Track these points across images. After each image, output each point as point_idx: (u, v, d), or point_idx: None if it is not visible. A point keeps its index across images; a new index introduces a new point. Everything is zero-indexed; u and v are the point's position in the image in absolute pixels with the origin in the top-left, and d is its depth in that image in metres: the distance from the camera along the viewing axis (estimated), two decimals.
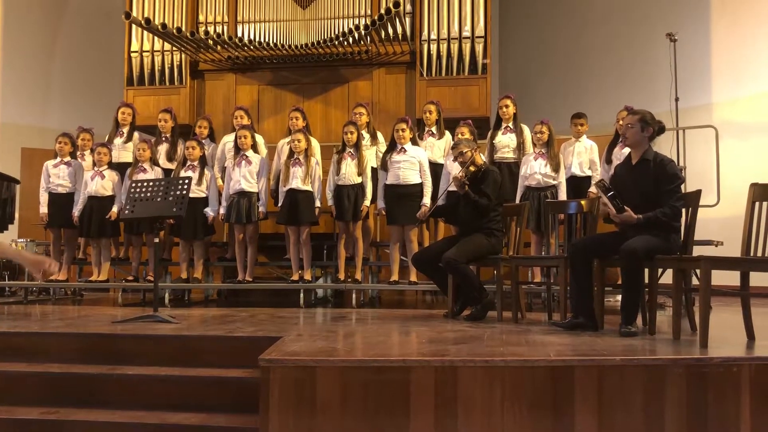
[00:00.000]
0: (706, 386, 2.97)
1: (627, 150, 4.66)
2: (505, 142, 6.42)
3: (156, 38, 8.59)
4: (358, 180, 6.19)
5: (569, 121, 6.42)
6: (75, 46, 10.82)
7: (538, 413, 2.97)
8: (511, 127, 6.44)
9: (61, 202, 6.72)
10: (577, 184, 6.18)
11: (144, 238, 6.69)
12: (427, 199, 6.06)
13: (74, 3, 10.95)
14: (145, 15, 8.47)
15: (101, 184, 6.59)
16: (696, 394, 2.96)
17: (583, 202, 4.93)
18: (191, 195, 6.29)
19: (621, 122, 5.92)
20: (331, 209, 6.32)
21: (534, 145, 6.15)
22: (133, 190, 5.08)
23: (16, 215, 7.15)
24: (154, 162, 6.66)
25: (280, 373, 3.03)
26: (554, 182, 6.02)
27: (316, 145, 6.63)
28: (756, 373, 2.97)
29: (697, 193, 4.09)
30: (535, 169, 6.03)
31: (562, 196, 5.99)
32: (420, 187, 6.11)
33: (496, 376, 2.99)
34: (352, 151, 6.24)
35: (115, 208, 6.52)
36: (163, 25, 7.87)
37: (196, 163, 6.50)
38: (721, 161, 6.87)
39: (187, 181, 5.02)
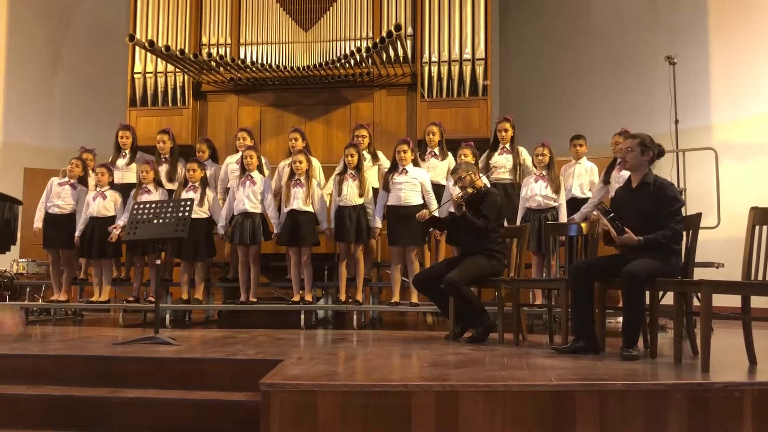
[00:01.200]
0: (707, 411, 2.96)
1: (625, 173, 4.69)
2: (502, 162, 6.47)
3: (159, 59, 8.66)
4: (360, 201, 6.22)
5: (569, 143, 6.46)
6: (78, 66, 10.89)
7: None
8: (508, 148, 6.49)
9: (59, 222, 6.73)
10: (577, 206, 6.20)
11: (146, 259, 6.70)
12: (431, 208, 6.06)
13: (77, 24, 11.05)
14: (149, 37, 8.55)
15: (103, 204, 6.61)
16: (697, 419, 2.96)
17: (583, 225, 4.95)
18: (193, 216, 6.36)
19: (616, 146, 5.98)
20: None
21: (535, 167, 6.19)
22: (135, 211, 5.10)
23: (18, 235, 7.16)
24: (158, 183, 6.68)
25: (281, 397, 3.02)
26: (555, 204, 6.05)
27: (317, 165, 6.66)
28: (758, 398, 2.97)
29: (698, 216, 4.11)
30: (535, 191, 6.06)
31: (563, 218, 6.01)
32: (420, 208, 6.11)
33: (498, 400, 2.99)
34: (353, 172, 6.27)
35: (116, 231, 6.51)
36: (167, 47, 7.94)
37: (197, 184, 6.53)
38: (721, 183, 6.90)
39: (189, 202, 5.04)
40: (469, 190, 5.04)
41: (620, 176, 5.84)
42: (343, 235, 6.20)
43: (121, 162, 7.16)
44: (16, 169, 8.86)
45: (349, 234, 6.16)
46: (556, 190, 6.03)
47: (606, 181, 6.13)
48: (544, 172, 6.10)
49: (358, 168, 6.27)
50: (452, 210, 5.20)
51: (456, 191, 5.34)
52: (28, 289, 7.34)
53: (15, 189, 7.76)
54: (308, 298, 6.25)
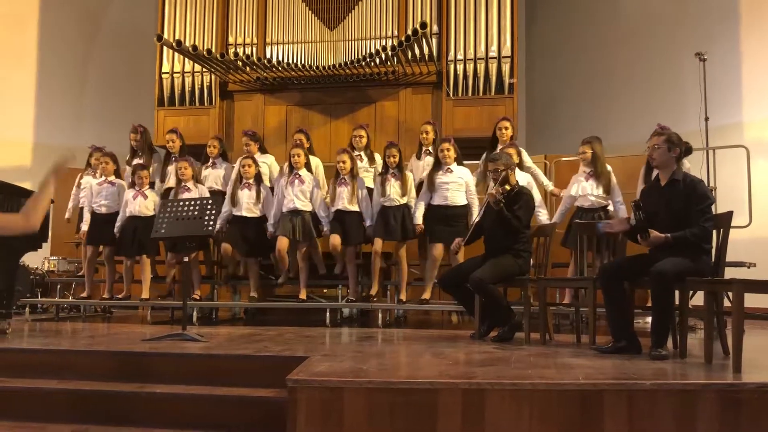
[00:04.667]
0: (739, 412, 2.91)
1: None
2: None
3: (186, 60, 8.75)
4: (403, 201, 6.21)
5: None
6: (108, 67, 11.06)
7: None
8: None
9: (105, 220, 6.79)
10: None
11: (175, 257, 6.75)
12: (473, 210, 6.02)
13: (107, 25, 11.21)
14: (177, 37, 8.64)
15: (144, 204, 6.67)
16: (729, 420, 2.90)
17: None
18: (248, 214, 6.42)
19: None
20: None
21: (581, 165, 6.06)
22: (163, 210, 5.16)
23: (49, 233, 7.28)
24: (196, 180, 6.72)
25: (308, 394, 3.03)
26: (606, 203, 5.91)
27: (319, 165, 6.71)
28: None
29: (729, 215, 4.03)
30: (588, 191, 5.92)
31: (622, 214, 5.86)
32: (465, 208, 6.09)
33: (524, 399, 2.96)
34: (395, 171, 6.25)
35: None
36: (194, 47, 8.02)
37: (252, 181, 6.54)
38: (753, 181, 6.77)
39: (212, 201, 5.08)
40: (507, 187, 4.99)
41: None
42: (389, 234, 6.18)
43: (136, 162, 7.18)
44: (47, 169, 8.99)
45: (395, 233, 6.15)
46: (607, 190, 5.87)
47: (647, 182, 6.01)
48: (590, 170, 5.93)
49: (400, 168, 6.25)
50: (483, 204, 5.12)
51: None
52: (58, 286, 7.45)
53: None
54: (353, 297, 6.27)
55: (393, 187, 6.22)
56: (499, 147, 6.45)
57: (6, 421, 3.60)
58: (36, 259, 7.68)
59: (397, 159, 6.24)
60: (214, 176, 6.97)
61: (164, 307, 7.20)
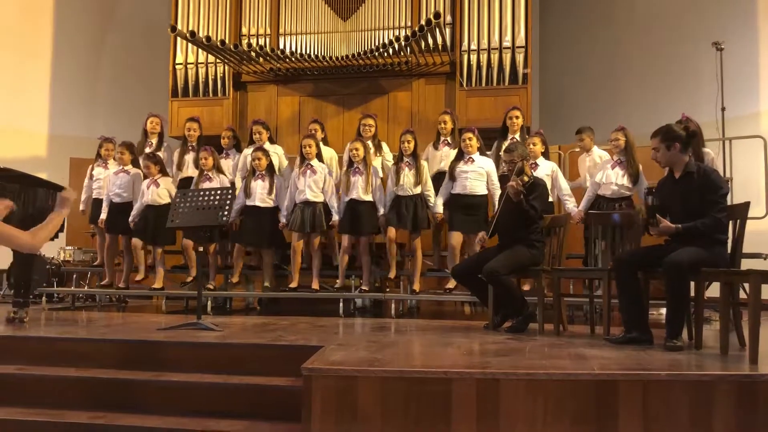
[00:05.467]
0: (756, 403, 2.90)
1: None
2: None
3: (200, 51, 8.76)
4: (416, 191, 6.19)
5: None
6: (122, 58, 11.09)
7: (582, 428, 2.93)
8: (517, 138, 6.39)
9: (122, 209, 6.83)
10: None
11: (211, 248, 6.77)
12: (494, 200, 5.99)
13: (121, 16, 11.24)
14: (190, 28, 8.65)
15: (157, 192, 6.70)
16: (745, 411, 2.89)
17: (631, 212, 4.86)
18: (262, 204, 6.43)
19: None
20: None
21: (612, 153, 5.99)
22: (178, 200, 5.18)
23: (65, 223, 7.34)
24: (218, 169, 6.72)
25: (323, 382, 3.05)
26: (629, 194, 5.85)
27: (333, 155, 6.75)
28: None
29: (746, 205, 4.00)
30: (612, 179, 5.86)
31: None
32: (485, 198, 6.08)
33: (539, 389, 2.97)
34: (409, 160, 6.23)
35: None
36: (208, 38, 8.02)
37: (264, 172, 6.54)
38: None
39: (230, 191, 5.10)
40: (525, 178, 4.98)
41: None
42: (402, 224, 6.17)
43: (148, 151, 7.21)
44: (62, 159, 9.06)
45: (406, 223, 6.14)
46: (634, 180, 5.79)
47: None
48: (621, 158, 5.85)
49: (414, 156, 6.23)
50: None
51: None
52: (74, 276, 7.52)
53: (61, 178, 7.94)
54: (365, 287, 6.28)
55: (407, 177, 6.20)
56: (510, 136, 6.44)
57: (24, 408, 3.65)
58: (52, 250, 7.75)
59: (412, 146, 6.21)
60: (227, 166, 6.99)
61: (179, 297, 7.25)
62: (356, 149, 6.27)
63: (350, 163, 6.35)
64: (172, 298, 7.15)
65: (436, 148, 6.66)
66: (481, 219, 5.94)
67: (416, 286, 6.24)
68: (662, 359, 3.42)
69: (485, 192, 6.08)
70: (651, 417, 2.92)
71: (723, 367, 3.26)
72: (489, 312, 5.02)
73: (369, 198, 6.26)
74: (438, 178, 6.38)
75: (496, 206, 5.84)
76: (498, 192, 5.98)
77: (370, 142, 6.71)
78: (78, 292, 7.35)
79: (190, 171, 6.99)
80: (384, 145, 6.89)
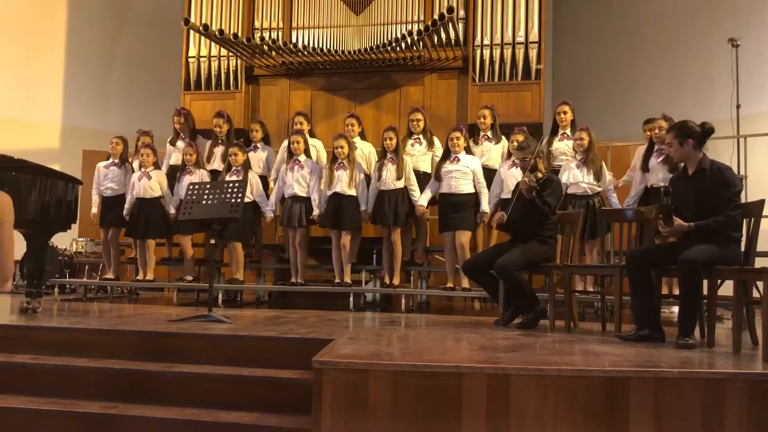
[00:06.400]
0: None
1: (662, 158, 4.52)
2: (563, 149, 6.36)
3: (213, 44, 8.77)
4: (399, 185, 6.24)
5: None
6: (135, 51, 11.14)
7: (592, 424, 2.92)
8: (569, 134, 6.36)
9: (114, 202, 6.90)
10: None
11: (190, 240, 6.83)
12: (484, 206, 6.11)
13: (134, 9, 11.29)
14: (203, 21, 8.65)
15: (148, 185, 6.73)
16: (759, 410, 2.87)
17: (643, 210, 4.84)
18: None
19: (652, 132, 5.88)
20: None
21: (575, 151, 6.10)
22: (190, 192, 5.20)
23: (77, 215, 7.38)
24: (197, 164, 6.76)
25: (333, 375, 3.05)
26: (599, 189, 5.96)
27: (371, 149, 6.75)
28: None
29: (760, 203, 3.96)
30: (579, 178, 5.97)
31: (614, 203, 5.93)
32: (472, 196, 6.13)
33: (550, 385, 2.96)
34: (392, 156, 6.29)
35: (172, 209, 6.69)
36: (221, 31, 8.03)
37: (240, 168, 6.57)
38: None
39: (241, 185, 5.11)
40: (539, 174, 4.96)
41: (657, 163, 5.73)
42: (381, 219, 6.25)
43: (180, 144, 7.23)
44: (76, 152, 9.12)
45: (387, 218, 6.20)
46: (598, 176, 5.92)
47: (644, 168, 5.95)
48: (584, 157, 5.98)
49: (397, 152, 6.27)
50: (505, 197, 5.13)
51: (510, 174, 5.25)
52: (86, 267, 7.57)
53: (74, 171, 7.98)
54: (347, 279, 6.31)
55: (389, 171, 6.26)
56: (561, 132, 6.42)
57: (37, 397, 3.68)
58: (64, 241, 7.81)
59: (394, 142, 6.29)
60: (256, 160, 7.00)
61: (190, 290, 7.28)
62: (341, 147, 6.30)
63: (334, 157, 6.37)
64: (183, 290, 7.19)
65: (476, 143, 6.66)
66: (469, 216, 6.04)
67: (396, 280, 6.27)
68: (674, 357, 3.40)
69: (472, 190, 6.14)
70: (662, 414, 2.90)
71: (735, 365, 3.24)
72: (500, 308, 5.01)
73: (353, 192, 6.30)
74: (487, 176, 6.30)
75: (484, 203, 6.00)
76: (484, 188, 6.12)
77: (421, 136, 6.63)
78: (90, 284, 7.40)
79: (216, 164, 7.01)
80: (436, 140, 6.83)
